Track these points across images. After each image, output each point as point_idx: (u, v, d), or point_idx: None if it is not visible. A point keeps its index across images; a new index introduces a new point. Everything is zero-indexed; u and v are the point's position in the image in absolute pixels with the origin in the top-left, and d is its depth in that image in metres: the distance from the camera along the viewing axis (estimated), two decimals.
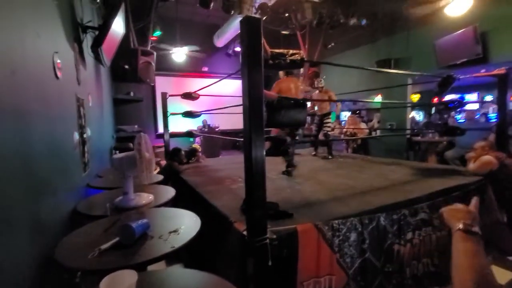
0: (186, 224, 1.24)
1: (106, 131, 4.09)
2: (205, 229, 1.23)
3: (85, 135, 2.14)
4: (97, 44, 2.19)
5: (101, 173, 2.63)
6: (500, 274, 2.09)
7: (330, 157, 4.06)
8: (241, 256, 1.46)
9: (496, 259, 2.30)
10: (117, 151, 3.16)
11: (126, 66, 4.06)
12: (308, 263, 1.52)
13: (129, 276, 0.68)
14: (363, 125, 6.32)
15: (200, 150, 4.29)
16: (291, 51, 1.83)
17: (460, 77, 2.82)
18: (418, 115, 10.38)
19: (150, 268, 1.05)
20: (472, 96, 10.00)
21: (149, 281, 0.86)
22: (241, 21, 1.34)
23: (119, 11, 2.47)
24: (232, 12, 4.84)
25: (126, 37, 3.22)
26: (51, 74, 1.43)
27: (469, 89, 9.75)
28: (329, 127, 4.18)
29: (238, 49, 7.77)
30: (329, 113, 4.21)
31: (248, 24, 1.30)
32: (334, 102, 4.43)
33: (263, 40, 1.36)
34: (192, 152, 4.05)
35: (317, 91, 4.19)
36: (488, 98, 9.26)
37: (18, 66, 1.02)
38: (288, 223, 1.55)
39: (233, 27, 6.26)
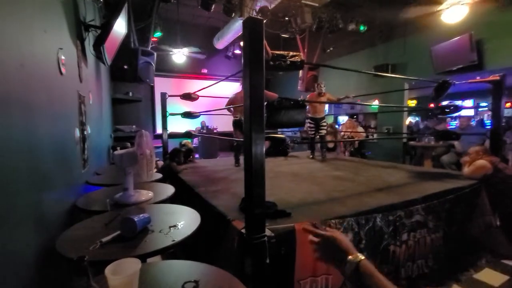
0: (186, 219, 1.26)
1: (105, 130, 4.09)
2: (203, 228, 1.25)
3: (85, 132, 2.15)
4: (99, 42, 2.21)
5: (99, 171, 2.63)
6: (494, 277, 2.12)
7: (323, 158, 4.18)
8: (239, 254, 1.47)
9: (490, 262, 2.34)
10: (118, 148, 3.16)
11: (126, 66, 4.08)
12: (305, 262, 1.53)
13: (133, 264, 0.69)
14: (360, 129, 6.39)
15: (192, 147, 4.32)
16: (291, 53, 1.87)
17: (456, 82, 2.88)
18: (414, 120, 10.50)
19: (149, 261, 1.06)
20: (467, 103, 10.15)
21: (150, 271, 0.87)
22: (243, 22, 1.37)
23: (122, 10, 2.50)
24: (233, 14, 4.89)
25: (127, 37, 3.24)
26: (55, 69, 1.45)
27: (464, 95, 9.90)
28: (325, 129, 4.26)
29: (238, 51, 7.83)
30: (324, 117, 4.31)
31: (251, 25, 1.33)
32: (335, 102, 4.51)
33: (264, 41, 1.40)
34: (188, 152, 4.07)
35: (315, 93, 4.24)
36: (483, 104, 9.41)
37: (26, 60, 1.04)
38: (286, 222, 1.57)
39: (234, 30, 6.32)
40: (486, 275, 2.17)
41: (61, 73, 1.51)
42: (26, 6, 1.10)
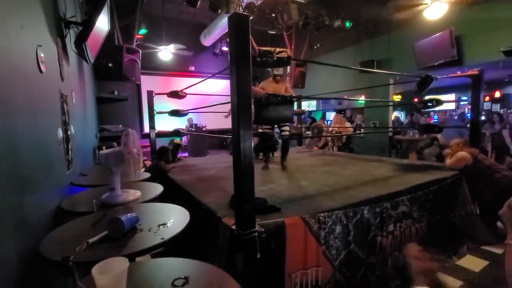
0: (175, 217, 1.25)
1: (90, 129, 3.98)
2: (194, 226, 1.24)
3: (69, 132, 2.09)
4: (81, 39, 2.14)
5: (85, 171, 2.57)
6: (475, 263, 2.23)
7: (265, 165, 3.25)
8: (230, 250, 1.48)
9: (470, 249, 2.45)
10: (104, 148, 3.09)
11: (110, 64, 3.98)
12: (295, 255, 1.56)
13: (121, 263, 0.68)
14: (348, 125, 6.50)
15: (180, 143, 4.26)
16: (278, 49, 1.88)
17: (438, 77, 2.97)
18: (399, 115, 10.81)
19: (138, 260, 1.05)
20: (450, 97, 10.52)
21: (140, 270, 0.87)
22: (229, 18, 1.36)
23: (104, 6, 2.42)
24: (219, 11, 4.84)
25: (110, 35, 3.16)
26: (35, 67, 1.39)
27: (447, 90, 10.24)
28: (288, 131, 3.18)
29: (225, 48, 7.76)
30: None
31: (237, 21, 1.32)
32: (294, 97, 3.12)
33: (251, 38, 1.39)
34: (176, 149, 4.01)
35: (270, 79, 3.17)
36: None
37: (2, 57, 1.00)
38: (276, 217, 1.58)
39: (220, 26, 6.25)
40: (468, 261, 2.27)
41: (40, 71, 1.46)
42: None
